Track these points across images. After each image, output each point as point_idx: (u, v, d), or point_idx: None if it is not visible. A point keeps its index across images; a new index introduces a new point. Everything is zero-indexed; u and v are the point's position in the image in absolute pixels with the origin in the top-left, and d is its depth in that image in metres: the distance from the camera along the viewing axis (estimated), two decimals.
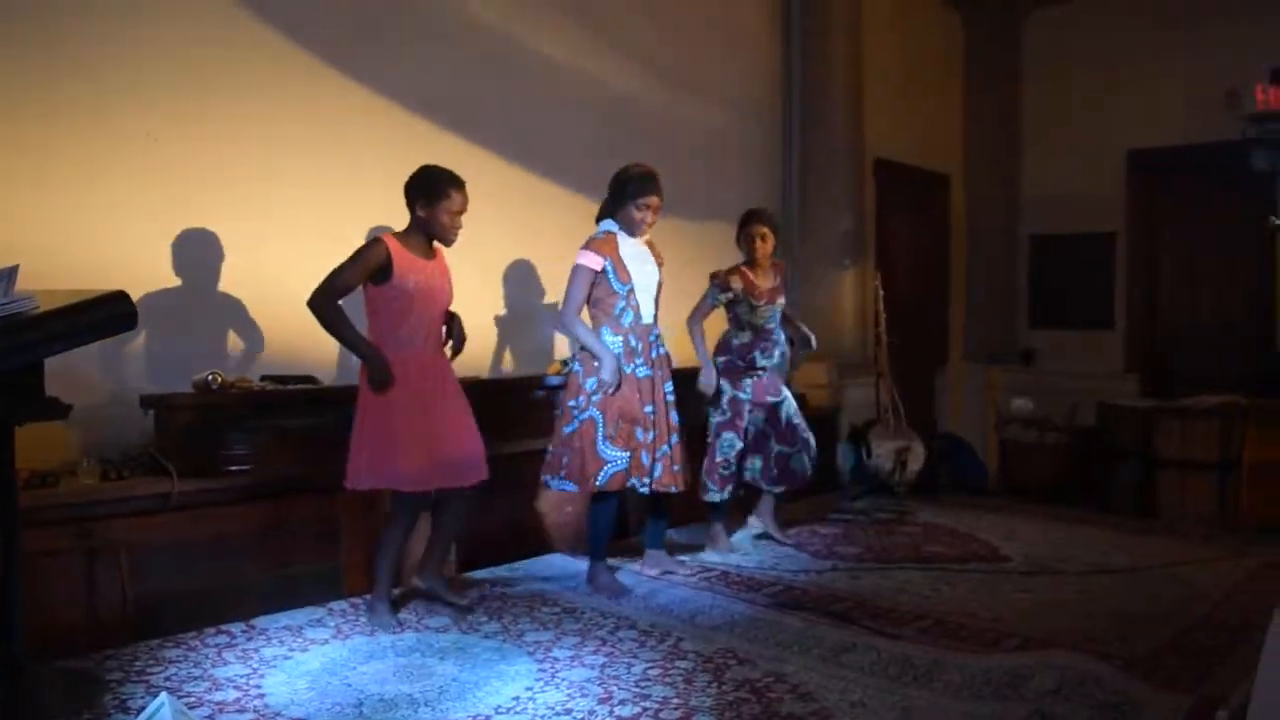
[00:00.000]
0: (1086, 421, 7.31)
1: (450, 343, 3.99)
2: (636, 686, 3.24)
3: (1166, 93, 7.84)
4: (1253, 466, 6.01)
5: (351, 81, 4.77)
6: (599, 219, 4.43)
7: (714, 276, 5.02)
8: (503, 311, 5.49)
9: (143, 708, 2.73)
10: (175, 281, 4.24)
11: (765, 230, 5.02)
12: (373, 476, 3.75)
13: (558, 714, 3.04)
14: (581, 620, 3.95)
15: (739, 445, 5.00)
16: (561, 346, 5.73)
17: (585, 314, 4.38)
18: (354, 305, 3.82)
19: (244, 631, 3.75)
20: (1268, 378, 6.89)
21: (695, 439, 4.94)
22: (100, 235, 3.98)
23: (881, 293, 6.60)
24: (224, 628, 3.76)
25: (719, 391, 5.00)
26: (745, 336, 5.05)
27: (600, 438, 4.21)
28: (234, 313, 4.44)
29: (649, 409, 4.30)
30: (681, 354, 5.03)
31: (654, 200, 4.30)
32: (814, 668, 3.42)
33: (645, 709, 3.06)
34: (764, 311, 5.03)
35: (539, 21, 5.58)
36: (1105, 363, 8.38)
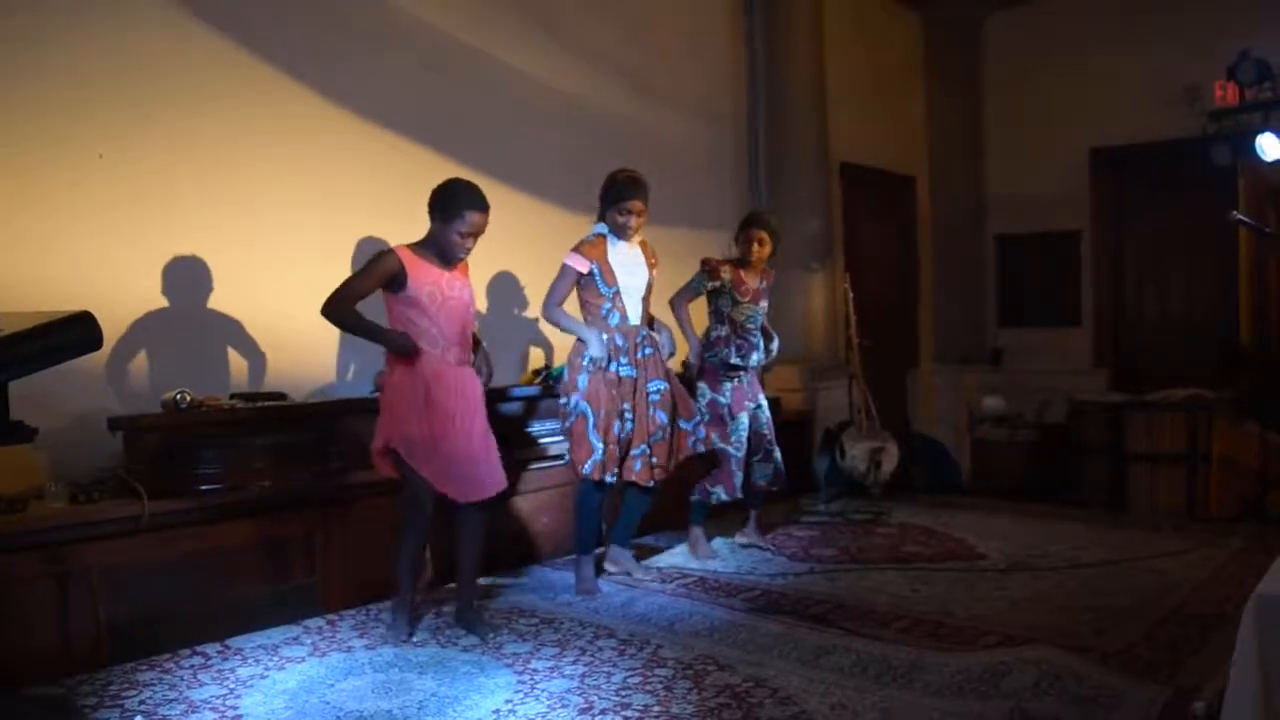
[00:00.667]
0: (1057, 418, 7.38)
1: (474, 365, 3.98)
2: (617, 695, 3.23)
3: (1127, 91, 7.93)
4: (1222, 458, 6.09)
5: (312, 93, 4.75)
6: (596, 221, 4.50)
7: (705, 262, 5.05)
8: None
9: None
10: (140, 299, 4.19)
11: (764, 235, 5.05)
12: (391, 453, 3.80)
13: None
14: (560, 631, 3.94)
15: (722, 446, 4.95)
16: (536, 358, 5.72)
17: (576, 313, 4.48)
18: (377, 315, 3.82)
19: (219, 652, 3.71)
20: (1233, 370, 7.00)
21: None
22: (60, 255, 3.94)
23: (851, 295, 6.63)
24: (199, 648, 3.72)
25: (699, 393, 5.00)
26: (723, 330, 5.05)
27: (590, 427, 4.32)
28: (201, 331, 4.40)
29: (625, 405, 4.38)
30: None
31: (635, 205, 4.38)
32: (794, 671, 3.43)
33: (626, 718, 3.05)
34: (746, 309, 5.04)
35: (505, 34, 5.58)
36: (1074, 360, 8.45)
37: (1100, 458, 6.59)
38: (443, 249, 3.82)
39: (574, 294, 4.46)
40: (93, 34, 4.06)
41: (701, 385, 5.05)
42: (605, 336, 4.38)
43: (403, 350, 3.72)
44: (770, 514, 5.90)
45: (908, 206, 8.85)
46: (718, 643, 3.76)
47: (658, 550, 5.26)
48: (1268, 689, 2.07)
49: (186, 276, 4.32)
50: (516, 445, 4.85)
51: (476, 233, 3.82)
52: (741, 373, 5.07)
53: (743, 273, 5.05)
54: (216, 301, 4.42)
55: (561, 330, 4.48)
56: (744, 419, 5.05)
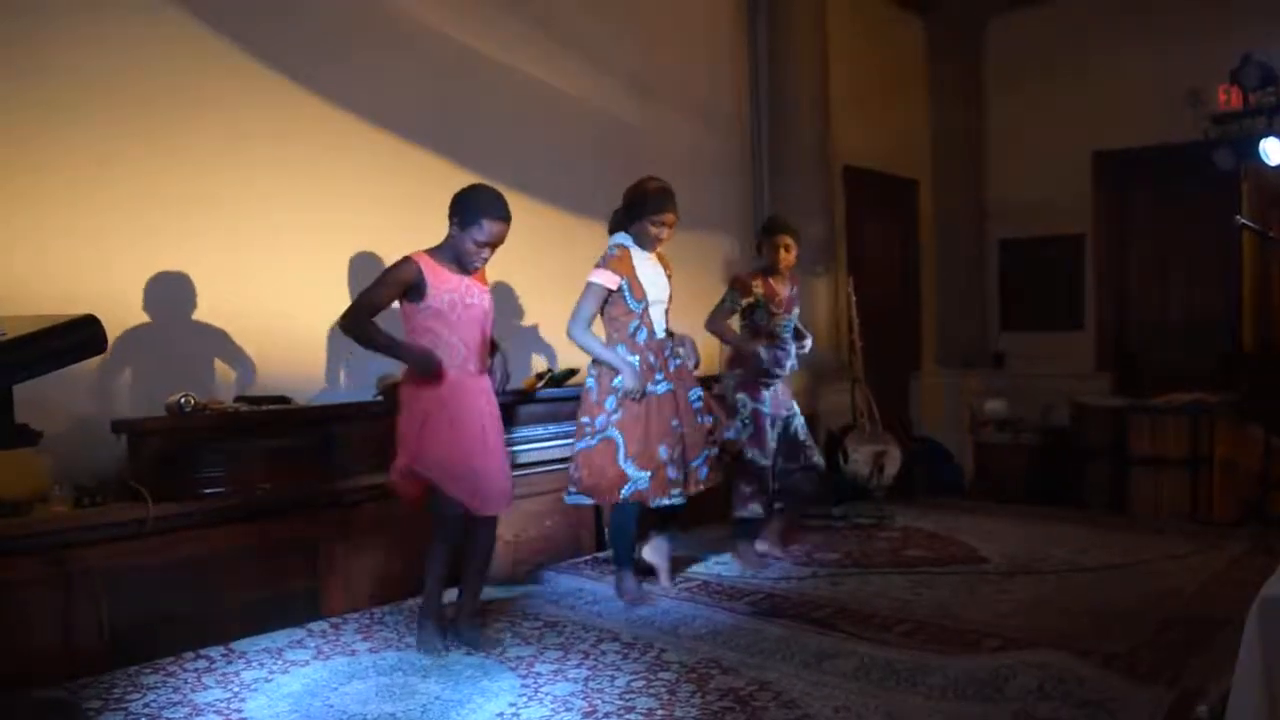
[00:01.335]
0: (1059, 422, 7.37)
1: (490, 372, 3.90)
2: (620, 699, 3.24)
3: (1130, 94, 7.92)
4: (1224, 462, 6.09)
5: (314, 95, 4.75)
6: (611, 231, 4.39)
7: (735, 281, 5.01)
8: None
9: None
10: (142, 303, 4.20)
11: (789, 241, 5.00)
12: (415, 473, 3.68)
13: None
14: (564, 634, 3.94)
15: (764, 462, 4.92)
16: (538, 363, 5.71)
17: (601, 330, 4.34)
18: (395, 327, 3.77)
19: (223, 655, 3.72)
20: (1236, 374, 6.99)
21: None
22: (61, 255, 3.94)
23: (854, 298, 6.63)
24: (203, 652, 3.72)
25: (739, 405, 4.94)
26: (759, 344, 4.99)
27: (621, 456, 4.17)
28: (205, 335, 4.39)
29: (675, 423, 4.25)
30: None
31: (670, 217, 4.25)
32: (797, 674, 3.43)
33: None
34: (780, 320, 5.01)
35: (507, 36, 5.57)
36: (1076, 363, 8.44)
37: (1103, 461, 6.59)
38: (459, 256, 3.72)
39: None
40: (93, 35, 4.06)
41: (742, 396, 4.95)
42: (637, 360, 4.22)
43: (426, 372, 3.61)
44: (770, 517, 5.87)
45: (910, 209, 8.84)
46: (721, 646, 3.76)
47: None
48: (1272, 692, 2.07)
49: (188, 279, 4.32)
50: (519, 449, 4.85)
51: (495, 243, 3.70)
52: (776, 381, 5.01)
53: (773, 282, 4.99)
54: (219, 304, 4.40)
55: (593, 358, 4.28)
56: (777, 427, 5.00)
